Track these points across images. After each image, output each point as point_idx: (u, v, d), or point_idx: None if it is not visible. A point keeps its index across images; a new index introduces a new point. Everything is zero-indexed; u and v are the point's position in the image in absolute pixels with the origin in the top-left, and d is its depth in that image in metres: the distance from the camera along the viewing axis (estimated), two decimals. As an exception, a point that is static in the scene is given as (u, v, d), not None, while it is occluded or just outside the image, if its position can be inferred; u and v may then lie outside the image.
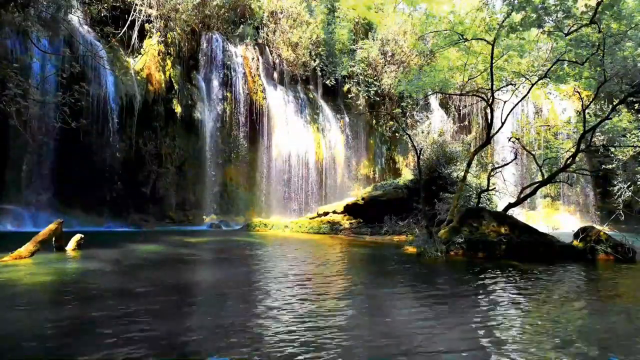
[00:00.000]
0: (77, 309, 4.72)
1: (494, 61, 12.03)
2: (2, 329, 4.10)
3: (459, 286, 6.83)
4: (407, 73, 22.47)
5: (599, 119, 12.54)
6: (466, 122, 27.21)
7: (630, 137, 15.30)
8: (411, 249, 10.74)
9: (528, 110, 26.98)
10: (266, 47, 22.78)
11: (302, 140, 22.64)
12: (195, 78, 20.30)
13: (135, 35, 18.05)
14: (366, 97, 25.01)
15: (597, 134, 13.95)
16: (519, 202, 12.72)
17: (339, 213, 17.96)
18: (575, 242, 10.47)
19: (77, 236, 9.34)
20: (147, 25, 18.37)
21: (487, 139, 13.63)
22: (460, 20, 13.00)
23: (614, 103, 12.28)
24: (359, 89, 24.82)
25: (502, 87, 13.94)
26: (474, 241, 10.20)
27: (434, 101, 26.86)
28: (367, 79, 24.88)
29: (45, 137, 14.53)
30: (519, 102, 14.01)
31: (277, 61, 22.98)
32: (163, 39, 18.80)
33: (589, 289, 6.86)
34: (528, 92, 13.71)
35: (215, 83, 20.56)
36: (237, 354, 3.51)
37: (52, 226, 8.61)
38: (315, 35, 23.35)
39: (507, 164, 14.30)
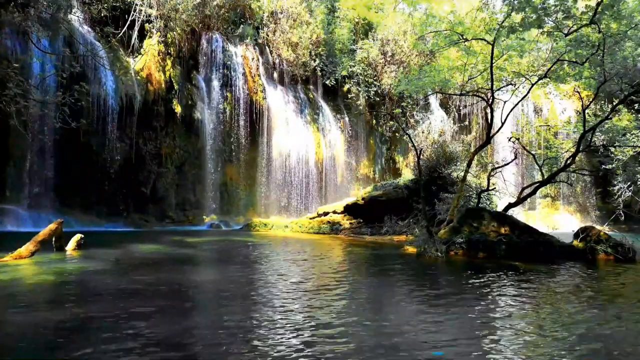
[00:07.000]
0: (77, 309, 4.72)
1: (494, 61, 12.04)
2: (2, 329, 4.10)
3: (459, 286, 6.83)
4: (407, 73, 22.46)
5: (599, 119, 12.54)
6: (466, 122, 27.20)
7: (630, 137, 15.31)
8: (411, 249, 10.74)
9: (528, 110, 26.95)
10: (266, 47, 22.77)
11: (302, 140, 22.64)
12: (195, 78, 20.30)
13: (135, 35, 18.06)
14: (366, 97, 25.00)
15: (597, 134, 13.96)
16: (519, 202, 12.73)
17: (339, 213, 17.95)
18: (575, 242, 10.47)
19: (77, 236, 9.35)
20: (147, 25, 18.38)
21: (487, 139, 13.64)
22: (460, 20, 13.00)
23: (614, 103, 12.30)
24: (359, 89, 24.81)
25: (502, 87, 13.94)
26: (474, 241, 10.19)
27: (434, 101, 26.85)
28: (367, 79, 24.86)
29: (45, 137, 14.53)
30: (519, 102, 14.02)
31: (277, 61, 22.97)
32: (163, 39, 18.80)
33: (589, 289, 6.85)
34: (528, 92, 13.72)
35: (215, 83, 20.56)
36: (237, 356, 3.51)
37: (52, 226, 8.61)
38: (315, 35, 23.34)
39: (507, 164, 14.31)
